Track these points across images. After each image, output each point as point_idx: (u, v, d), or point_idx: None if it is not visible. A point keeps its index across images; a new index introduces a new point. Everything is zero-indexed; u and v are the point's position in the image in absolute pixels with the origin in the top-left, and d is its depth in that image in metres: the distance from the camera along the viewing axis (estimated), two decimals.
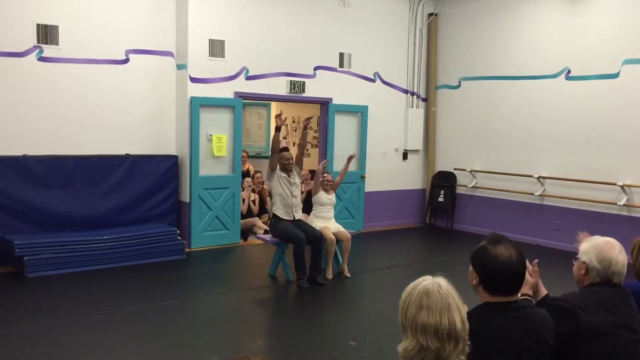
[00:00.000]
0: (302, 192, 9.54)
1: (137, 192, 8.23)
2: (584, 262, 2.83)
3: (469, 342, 1.97)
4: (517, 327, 2.36)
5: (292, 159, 7.14)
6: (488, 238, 2.49)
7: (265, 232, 9.92)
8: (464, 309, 2.00)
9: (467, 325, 1.96)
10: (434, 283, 2.01)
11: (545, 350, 2.42)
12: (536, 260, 2.98)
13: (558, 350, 2.62)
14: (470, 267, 2.49)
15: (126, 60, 8.18)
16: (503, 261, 2.37)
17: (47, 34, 7.49)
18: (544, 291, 3.03)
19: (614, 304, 2.71)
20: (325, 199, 7.41)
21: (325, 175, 7.47)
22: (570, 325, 2.61)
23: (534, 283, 2.97)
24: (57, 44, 7.58)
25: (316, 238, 6.99)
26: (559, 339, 2.59)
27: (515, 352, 2.33)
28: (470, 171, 10.59)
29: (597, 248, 2.80)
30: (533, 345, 2.37)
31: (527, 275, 2.90)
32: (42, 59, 7.50)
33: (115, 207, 8.05)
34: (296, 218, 7.11)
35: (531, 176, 9.65)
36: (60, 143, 7.71)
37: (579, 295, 2.76)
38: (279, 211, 7.06)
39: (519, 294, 2.51)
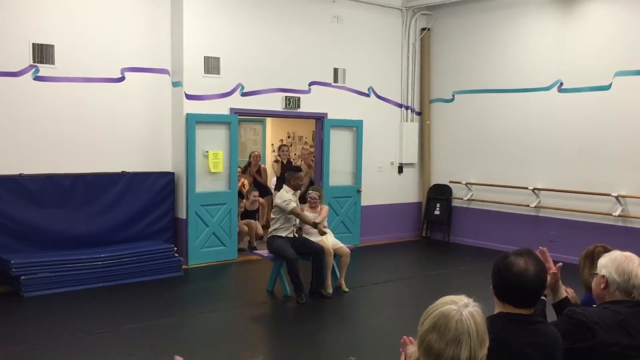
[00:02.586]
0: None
1: (134, 209, 8.22)
2: (603, 276, 2.78)
3: None
4: (527, 340, 2.34)
5: (302, 180, 7.35)
6: (516, 251, 2.49)
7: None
8: (484, 347, 1.92)
9: None
10: (459, 311, 1.93)
11: None
12: (560, 263, 2.95)
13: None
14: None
15: (122, 79, 8.22)
16: (516, 272, 2.37)
17: (42, 53, 7.53)
18: (563, 293, 3.00)
19: (633, 325, 2.66)
20: (310, 217, 7.31)
21: (310, 192, 7.47)
22: (586, 342, 2.58)
23: (552, 283, 2.93)
24: (52, 63, 7.61)
25: (317, 252, 7.01)
26: (572, 353, 2.58)
27: None
28: (466, 184, 10.64)
29: (616, 261, 2.76)
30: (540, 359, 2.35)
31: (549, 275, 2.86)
32: (37, 78, 7.53)
33: (112, 225, 8.03)
34: (296, 236, 7.16)
35: (526, 188, 9.70)
36: (56, 162, 7.71)
37: (600, 312, 2.70)
38: (279, 230, 7.08)
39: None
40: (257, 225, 9.94)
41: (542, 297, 2.81)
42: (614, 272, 2.74)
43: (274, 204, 7.19)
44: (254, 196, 9.96)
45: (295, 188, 7.18)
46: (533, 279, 2.38)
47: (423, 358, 1.93)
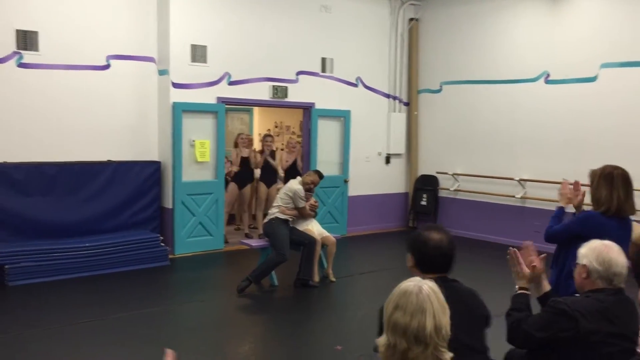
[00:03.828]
0: (286, 160, 9.68)
1: (120, 198, 8.17)
2: (584, 266, 2.85)
3: (442, 348, 1.97)
4: (451, 296, 2.46)
5: (315, 185, 7.37)
6: (422, 227, 2.82)
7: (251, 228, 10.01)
8: (446, 315, 2.00)
9: (444, 331, 1.96)
10: (416, 285, 2.02)
11: (480, 317, 2.67)
12: (544, 254, 3.03)
13: (555, 353, 2.69)
14: (408, 252, 2.78)
15: (107, 66, 8.13)
16: (434, 245, 2.68)
17: (26, 40, 7.42)
18: (546, 286, 3.09)
19: (615, 313, 2.74)
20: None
21: (311, 199, 7.42)
22: (569, 331, 2.66)
23: (532, 277, 3.04)
24: (37, 50, 7.51)
25: (310, 243, 7.02)
26: (556, 342, 2.66)
27: (453, 316, 2.41)
28: (453, 174, 10.68)
29: (596, 251, 2.84)
30: (468, 311, 2.56)
31: (523, 267, 2.97)
32: (22, 65, 7.43)
33: (98, 214, 7.97)
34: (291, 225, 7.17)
35: (512, 179, 9.76)
36: (41, 150, 7.63)
37: (582, 301, 2.78)
38: (282, 215, 7.06)
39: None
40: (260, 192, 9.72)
41: (525, 292, 2.93)
42: (594, 261, 2.82)
43: (287, 191, 7.13)
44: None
45: (305, 185, 7.18)
46: (448, 246, 2.71)
47: (392, 339, 1.96)
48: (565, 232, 3.61)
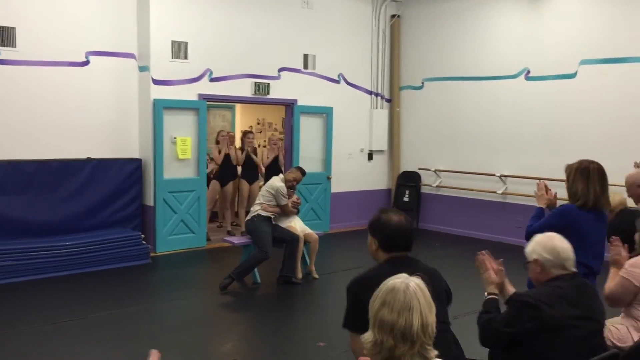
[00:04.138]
0: (267, 157, 9.60)
1: (100, 196, 8.08)
2: (536, 260, 2.97)
3: (428, 346, 1.97)
4: (413, 272, 2.56)
5: (298, 182, 7.39)
6: (378, 210, 2.98)
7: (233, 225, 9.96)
8: (432, 313, 1.99)
9: (430, 329, 1.96)
10: (403, 282, 2.01)
11: (441, 292, 2.80)
12: (501, 259, 3.08)
13: (523, 344, 2.73)
14: (369, 237, 2.93)
15: (86, 63, 8.04)
16: (395, 225, 2.85)
17: (3, 36, 7.30)
18: (511, 290, 3.18)
19: (575, 297, 2.82)
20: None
21: (295, 197, 7.41)
22: (534, 320, 2.70)
23: (499, 282, 3.11)
24: (14, 46, 7.40)
25: (293, 240, 7.01)
26: (525, 335, 2.70)
27: None
28: (435, 171, 10.73)
29: (540, 243, 2.99)
30: (430, 286, 2.58)
31: (491, 274, 3.03)
32: None
33: (77, 212, 7.88)
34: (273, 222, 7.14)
35: (493, 175, 9.84)
36: (18, 147, 7.51)
37: (542, 290, 2.87)
38: (264, 212, 7.04)
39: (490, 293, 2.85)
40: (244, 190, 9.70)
41: (495, 297, 3.03)
42: (543, 252, 2.95)
43: (269, 189, 7.10)
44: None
45: (288, 182, 7.16)
46: (407, 226, 2.88)
47: (378, 336, 1.95)
48: (546, 227, 3.65)
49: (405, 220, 2.90)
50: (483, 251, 3.24)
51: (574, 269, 2.94)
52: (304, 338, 5.54)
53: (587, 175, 3.58)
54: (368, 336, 2.00)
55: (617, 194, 4.44)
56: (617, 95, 8.43)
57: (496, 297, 3.08)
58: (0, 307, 6.06)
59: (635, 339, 3.63)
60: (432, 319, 1.97)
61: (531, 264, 3.00)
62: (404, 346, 1.92)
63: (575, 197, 3.60)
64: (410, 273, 2.41)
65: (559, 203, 4.05)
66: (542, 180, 4.14)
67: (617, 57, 8.39)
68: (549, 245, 2.95)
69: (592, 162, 3.65)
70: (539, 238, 3.03)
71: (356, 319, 2.58)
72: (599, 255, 3.62)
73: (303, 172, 7.45)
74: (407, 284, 2.00)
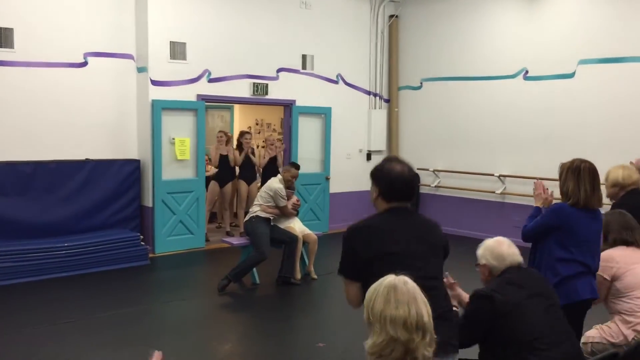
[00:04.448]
0: (264, 157, 9.58)
1: (99, 197, 8.07)
2: (484, 265, 3.26)
3: (435, 336, 2.03)
4: (411, 224, 2.73)
5: (294, 179, 7.38)
6: (383, 159, 2.91)
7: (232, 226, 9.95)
8: (428, 306, 2.06)
9: (431, 319, 2.02)
10: (399, 279, 2.06)
11: (438, 247, 2.77)
12: (447, 272, 3.21)
13: (492, 334, 2.93)
14: (371, 185, 2.85)
15: (85, 64, 8.03)
16: (398, 174, 2.76)
17: (1, 37, 7.29)
18: (465, 297, 3.37)
19: (522, 280, 3.09)
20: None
21: (293, 197, 7.37)
22: (488, 309, 2.94)
23: (454, 294, 3.36)
24: (12, 47, 7.39)
25: (291, 240, 7.01)
26: (486, 326, 2.95)
27: (413, 244, 2.65)
28: (433, 171, 10.73)
29: (489, 249, 3.26)
30: (427, 240, 2.71)
31: (448, 289, 3.19)
32: None
33: (76, 214, 7.87)
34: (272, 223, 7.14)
35: (492, 175, 9.84)
36: (16, 148, 7.50)
37: (494, 282, 3.17)
38: (263, 213, 7.04)
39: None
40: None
41: (455, 309, 3.12)
42: (491, 258, 3.22)
43: (267, 190, 7.10)
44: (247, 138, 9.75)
45: (286, 181, 7.17)
46: (409, 175, 2.79)
47: (392, 333, 1.96)
48: (539, 226, 3.67)
49: (409, 169, 2.81)
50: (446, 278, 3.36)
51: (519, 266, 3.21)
52: (303, 338, 5.54)
53: (577, 174, 3.59)
54: (377, 338, 1.99)
55: (636, 173, 4.45)
56: (615, 95, 8.43)
57: (457, 309, 3.21)
58: (0, 308, 6.06)
59: (626, 332, 3.65)
60: (430, 310, 2.05)
61: (480, 266, 3.28)
62: (418, 337, 1.96)
63: (567, 196, 3.61)
64: (409, 225, 2.70)
65: (555, 202, 4.06)
66: (539, 180, 4.13)
67: (616, 56, 8.39)
68: (496, 252, 3.21)
69: (583, 161, 3.65)
70: (489, 243, 3.27)
71: (349, 267, 2.70)
72: (595, 253, 3.63)
73: (297, 167, 7.45)
74: (404, 279, 2.05)
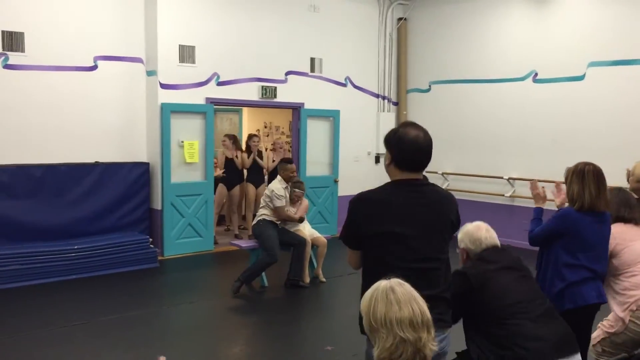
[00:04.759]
0: (273, 161, 9.56)
1: (108, 200, 8.10)
2: (463, 249, 3.42)
3: (434, 331, 2.07)
4: (418, 200, 2.66)
5: (295, 172, 7.37)
6: (400, 124, 2.82)
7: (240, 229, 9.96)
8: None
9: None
10: (393, 281, 2.07)
11: (446, 223, 2.71)
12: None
13: (465, 307, 3.07)
14: (385, 151, 2.75)
15: (94, 67, 8.07)
16: (412, 139, 2.66)
17: (12, 41, 7.35)
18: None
19: (493, 256, 3.26)
20: (291, 211, 7.27)
21: (296, 191, 7.33)
22: (464, 285, 3.08)
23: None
24: (23, 51, 7.44)
25: (300, 243, 7.01)
26: (465, 300, 3.06)
27: (415, 223, 2.61)
28: (442, 174, 10.70)
29: (468, 234, 3.39)
30: (433, 217, 2.65)
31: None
32: (7, 66, 7.35)
33: (86, 216, 7.91)
34: (280, 226, 7.14)
35: (501, 177, 9.80)
36: (27, 152, 7.55)
37: (470, 262, 3.34)
38: (269, 215, 7.05)
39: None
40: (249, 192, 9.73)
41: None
42: (468, 242, 3.38)
43: (267, 192, 7.13)
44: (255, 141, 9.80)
45: (286, 180, 7.17)
46: (425, 141, 2.69)
47: (402, 334, 1.96)
48: (547, 231, 3.65)
49: (424, 135, 2.69)
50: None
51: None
52: (312, 342, 5.53)
53: (582, 177, 3.57)
54: (385, 343, 1.97)
55: None
56: (625, 97, 8.37)
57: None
58: (9, 310, 6.09)
59: (621, 315, 3.66)
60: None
61: (460, 250, 3.44)
62: (424, 334, 1.98)
63: (573, 200, 3.59)
64: (416, 202, 2.63)
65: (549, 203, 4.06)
66: (534, 180, 4.13)
67: (626, 59, 8.34)
68: (474, 236, 3.36)
69: (588, 164, 3.63)
70: (468, 228, 3.42)
71: (350, 238, 2.75)
72: (602, 258, 3.60)
73: (288, 161, 7.42)
74: (398, 281, 2.07)
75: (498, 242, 3.37)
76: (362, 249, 2.68)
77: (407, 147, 2.64)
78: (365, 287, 2.28)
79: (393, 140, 2.69)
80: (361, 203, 2.67)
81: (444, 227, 2.70)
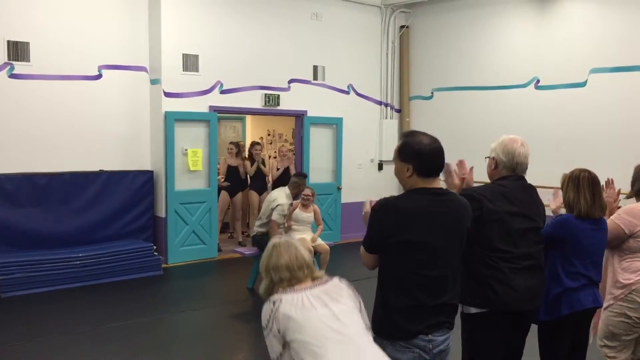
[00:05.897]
0: (277, 169, 9.56)
1: (112, 208, 8.14)
2: (493, 158, 3.36)
3: (314, 270, 2.59)
4: (440, 209, 2.71)
5: (300, 189, 7.24)
6: (403, 135, 2.82)
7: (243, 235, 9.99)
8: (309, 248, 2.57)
9: (308, 258, 2.61)
10: (281, 237, 2.70)
11: (463, 233, 2.78)
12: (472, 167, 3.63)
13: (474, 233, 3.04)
14: (399, 164, 2.75)
15: (99, 76, 8.14)
16: (428, 145, 2.71)
17: (17, 50, 7.42)
18: (471, 182, 3.64)
19: (516, 195, 3.20)
20: (302, 216, 7.33)
21: (305, 189, 7.31)
22: (477, 211, 3.04)
23: (462, 187, 3.48)
24: (28, 60, 7.51)
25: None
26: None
27: (439, 232, 2.67)
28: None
29: (502, 144, 3.30)
30: (454, 227, 2.73)
31: (455, 178, 3.56)
32: (13, 75, 7.42)
33: (90, 224, 7.95)
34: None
35: None
36: (32, 160, 7.61)
37: (487, 188, 3.26)
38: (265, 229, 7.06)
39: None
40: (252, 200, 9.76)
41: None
42: (500, 153, 3.29)
43: (267, 201, 7.14)
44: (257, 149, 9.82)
45: (294, 195, 7.19)
46: (438, 145, 2.75)
47: (275, 277, 2.53)
48: (546, 237, 3.65)
49: (434, 140, 2.76)
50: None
51: (523, 175, 3.30)
52: None
53: (577, 184, 3.58)
54: (265, 282, 2.58)
55: None
56: (627, 104, 8.38)
57: None
58: (14, 318, 6.12)
59: (614, 292, 3.77)
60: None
61: (489, 159, 3.38)
62: (300, 272, 2.53)
63: (569, 207, 3.60)
64: (438, 212, 2.69)
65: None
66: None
67: (628, 65, 8.36)
68: (508, 147, 3.25)
69: (583, 170, 3.64)
70: (503, 138, 3.31)
71: (372, 244, 2.77)
72: (597, 265, 3.61)
73: (302, 175, 7.44)
74: (285, 239, 2.66)
75: (528, 161, 3.30)
76: (382, 253, 2.73)
77: (427, 155, 2.69)
78: (386, 292, 2.72)
79: (410, 151, 2.71)
80: (387, 212, 2.71)
81: (462, 236, 2.78)
